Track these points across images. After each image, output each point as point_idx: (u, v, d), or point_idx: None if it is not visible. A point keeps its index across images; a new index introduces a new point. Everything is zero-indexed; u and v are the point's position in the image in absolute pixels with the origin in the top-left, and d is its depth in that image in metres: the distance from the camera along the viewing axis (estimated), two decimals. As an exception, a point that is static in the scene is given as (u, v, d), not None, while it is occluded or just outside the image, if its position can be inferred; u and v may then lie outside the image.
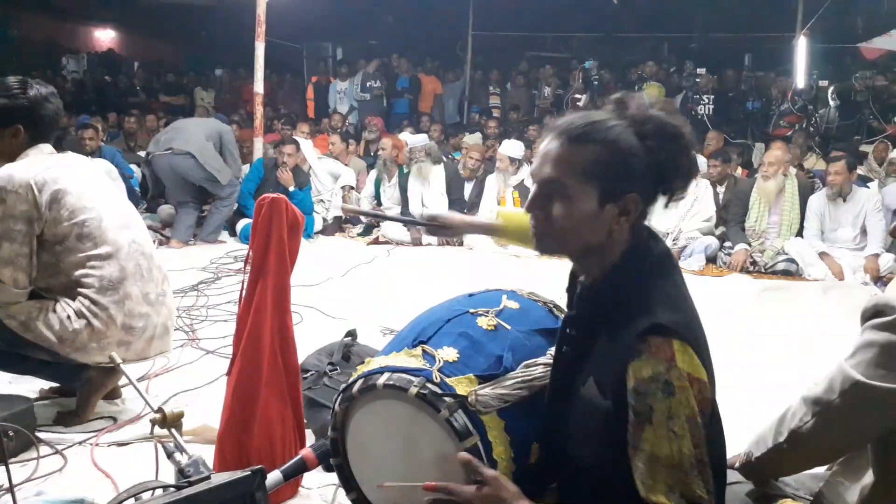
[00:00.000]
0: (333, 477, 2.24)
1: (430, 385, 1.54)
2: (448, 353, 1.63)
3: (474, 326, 1.72)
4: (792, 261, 5.76)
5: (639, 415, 1.25)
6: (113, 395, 2.93)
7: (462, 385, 1.55)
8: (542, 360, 1.66)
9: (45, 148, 2.66)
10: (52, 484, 2.29)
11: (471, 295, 1.94)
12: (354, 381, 1.67)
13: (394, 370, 1.61)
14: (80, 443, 2.54)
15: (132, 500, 1.35)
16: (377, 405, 1.65)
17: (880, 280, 5.38)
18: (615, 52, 12.46)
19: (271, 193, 2.23)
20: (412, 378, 1.57)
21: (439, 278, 5.42)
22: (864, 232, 5.79)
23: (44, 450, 2.46)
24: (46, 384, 2.94)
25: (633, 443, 1.26)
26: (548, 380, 1.61)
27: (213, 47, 14.91)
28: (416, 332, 1.74)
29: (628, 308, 1.31)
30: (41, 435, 2.56)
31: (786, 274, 5.74)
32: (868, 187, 6.32)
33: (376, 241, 6.91)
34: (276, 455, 2.14)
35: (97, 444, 2.53)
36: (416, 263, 6.03)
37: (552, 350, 1.68)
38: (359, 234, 7.20)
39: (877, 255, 5.55)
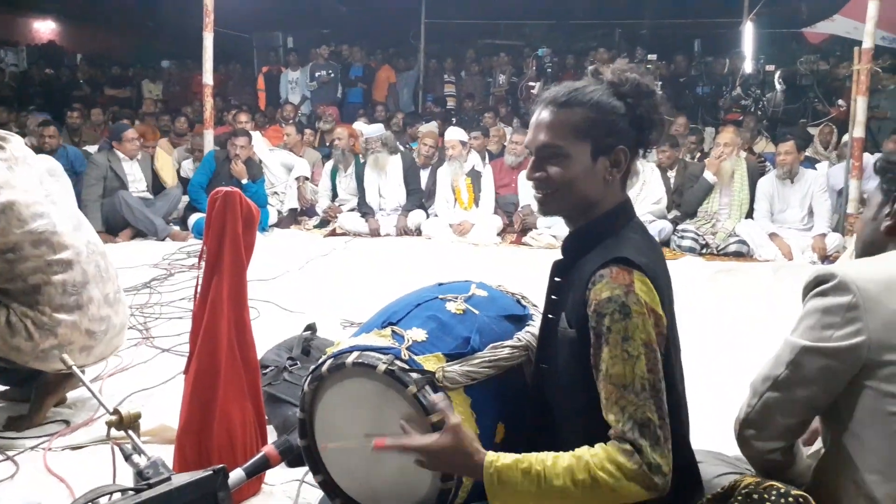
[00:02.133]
0: (297, 473, 2.24)
1: (398, 362, 1.57)
2: (417, 334, 1.67)
3: (443, 310, 1.76)
4: (743, 242, 5.90)
5: (598, 336, 1.33)
6: (60, 400, 2.84)
7: (430, 362, 1.59)
8: (509, 342, 1.71)
9: None
10: (3, 490, 2.21)
11: (441, 284, 2.01)
12: (324, 361, 1.69)
13: (363, 349, 1.64)
14: (32, 448, 2.46)
15: (89, 505, 1.31)
16: (346, 384, 1.67)
17: (827, 258, 5.55)
18: (567, 39, 12.55)
19: (224, 187, 2.18)
20: (381, 356, 1.60)
21: (399, 269, 5.40)
22: (811, 213, 5.96)
23: (-6, 456, 2.39)
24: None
25: (595, 363, 1.35)
26: (515, 361, 1.67)
27: (159, 38, 14.55)
28: (386, 315, 1.78)
29: (602, 250, 1.42)
30: (-9, 441, 2.48)
31: (737, 255, 5.87)
32: (815, 169, 6.49)
33: (333, 233, 6.85)
34: (238, 453, 2.11)
35: (50, 449, 2.46)
36: (375, 254, 5.99)
37: (519, 334, 1.75)
38: (315, 227, 7.13)
39: (824, 235, 5.71)
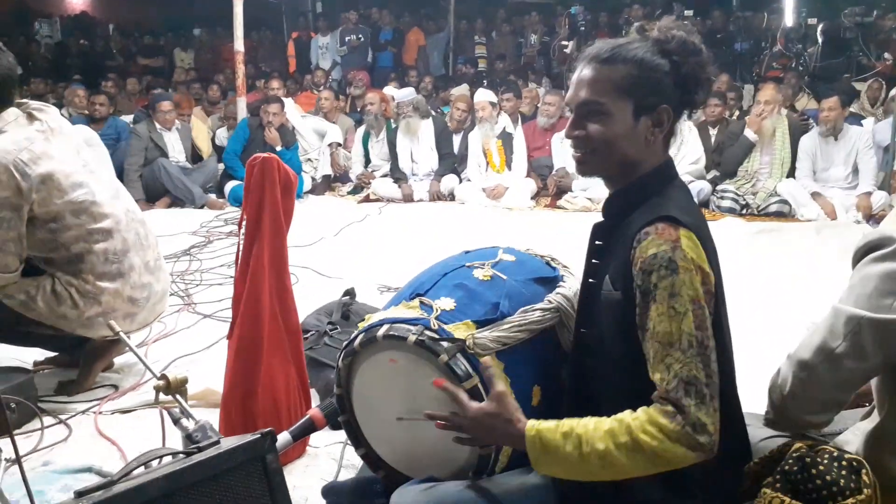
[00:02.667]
0: (341, 435, 2.26)
1: (428, 332, 1.58)
2: (445, 303, 1.67)
3: (470, 278, 1.76)
4: (784, 202, 5.76)
5: (645, 294, 1.30)
6: (108, 365, 2.91)
7: (460, 330, 1.59)
8: (539, 305, 1.70)
9: (10, 114, 2.44)
10: (57, 454, 2.28)
11: (467, 252, 1.99)
12: (356, 337, 1.71)
13: (392, 321, 1.65)
14: (83, 412, 2.53)
15: (142, 468, 1.34)
16: (379, 357, 1.69)
17: (872, 218, 5.39)
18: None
19: (259, 153, 2.18)
20: (410, 327, 1.60)
21: (432, 233, 5.40)
22: (855, 171, 5.78)
23: (47, 420, 2.46)
24: (40, 354, 2.91)
25: (641, 323, 1.32)
26: (547, 323, 1.67)
27: (190, 6, 14.51)
28: (414, 287, 1.80)
29: (646, 210, 1.38)
30: (43, 405, 2.55)
31: (778, 215, 5.74)
32: (861, 125, 6.28)
33: (367, 199, 6.85)
34: (282, 416, 2.14)
35: (100, 413, 2.53)
36: (409, 220, 5.98)
37: (550, 296, 1.74)
38: (348, 193, 7.14)
39: (869, 194, 5.55)
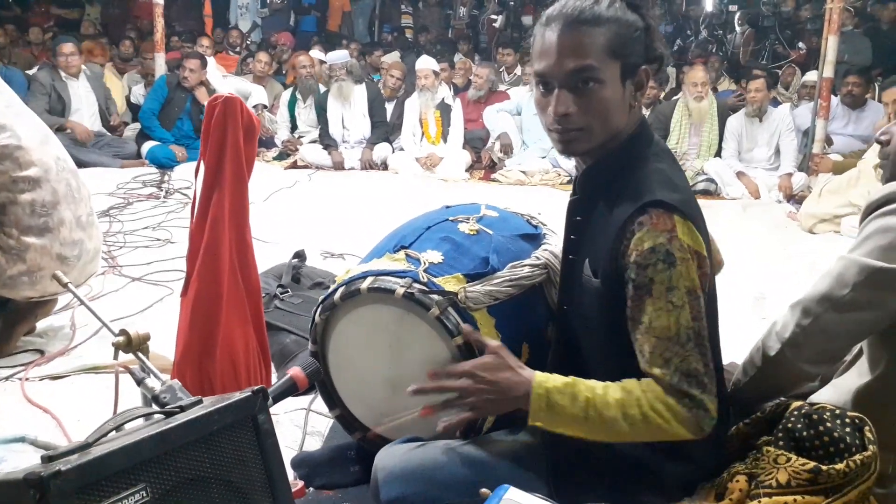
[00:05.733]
0: (303, 401, 2.14)
1: (417, 285, 1.52)
2: (433, 256, 1.62)
3: (456, 231, 1.71)
4: (711, 180, 5.91)
5: (639, 288, 1.24)
6: (29, 329, 2.65)
7: (450, 284, 1.54)
8: (528, 261, 1.67)
9: None
10: (-19, 423, 2.05)
11: (447, 207, 1.95)
12: (335, 290, 1.61)
13: (378, 273, 1.57)
14: (7, 378, 2.28)
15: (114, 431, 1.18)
16: (361, 311, 1.61)
17: (793, 198, 5.62)
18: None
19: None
20: (398, 279, 1.53)
21: (367, 203, 5.24)
22: (777, 152, 6.00)
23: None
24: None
25: (633, 316, 1.26)
26: (536, 279, 1.64)
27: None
28: (396, 239, 1.73)
29: (627, 187, 1.30)
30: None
31: (705, 193, 5.89)
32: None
33: (294, 166, 6.59)
34: (241, 379, 2.00)
35: (27, 379, 2.28)
36: (341, 187, 5.81)
37: (537, 252, 1.72)
38: (274, 158, 6.86)
39: (790, 174, 5.77)
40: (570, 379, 1.31)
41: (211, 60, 7.05)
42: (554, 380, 1.31)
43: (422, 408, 1.38)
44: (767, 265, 3.99)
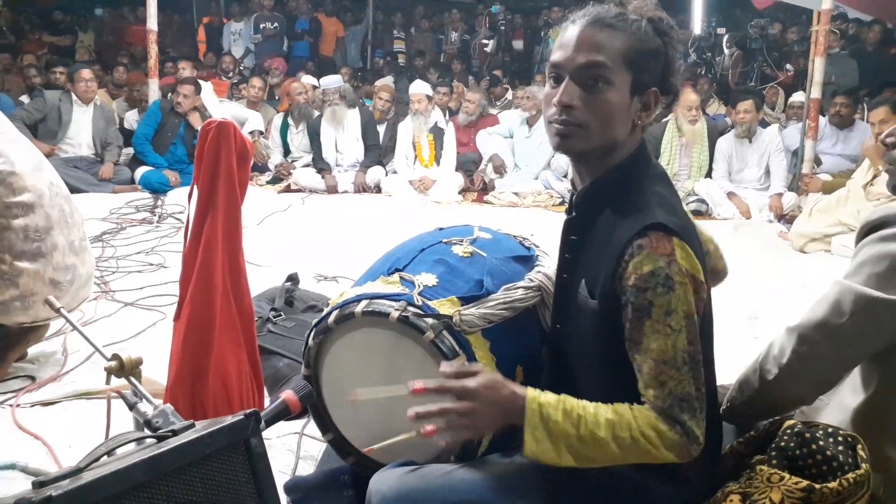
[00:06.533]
0: (296, 425, 2.13)
1: (412, 308, 1.51)
2: (427, 279, 1.62)
3: (450, 254, 1.71)
4: (702, 201, 5.96)
5: (638, 311, 1.25)
6: (21, 355, 2.63)
7: (445, 307, 1.54)
8: (521, 283, 1.67)
9: None
10: (-29, 450, 2.03)
11: (441, 229, 1.94)
12: (329, 313, 1.61)
13: (372, 297, 1.57)
14: (-2, 404, 2.27)
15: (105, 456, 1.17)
16: (355, 335, 1.60)
17: (783, 217, 5.66)
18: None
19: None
20: (392, 303, 1.53)
21: (361, 226, 5.26)
22: (767, 172, 6.05)
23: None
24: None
25: (632, 337, 1.27)
26: (530, 302, 1.64)
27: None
28: (390, 262, 1.72)
29: (626, 208, 1.31)
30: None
31: (696, 214, 5.91)
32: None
33: (287, 189, 6.61)
34: (234, 404, 1.99)
35: (18, 405, 2.27)
36: (335, 210, 5.82)
37: (531, 275, 1.71)
38: (268, 182, 6.88)
39: (780, 194, 5.82)
40: (562, 396, 1.31)
41: (207, 86, 7.09)
42: (547, 395, 1.31)
43: (420, 428, 1.36)
44: (759, 284, 4.01)
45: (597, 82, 1.28)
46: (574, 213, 1.42)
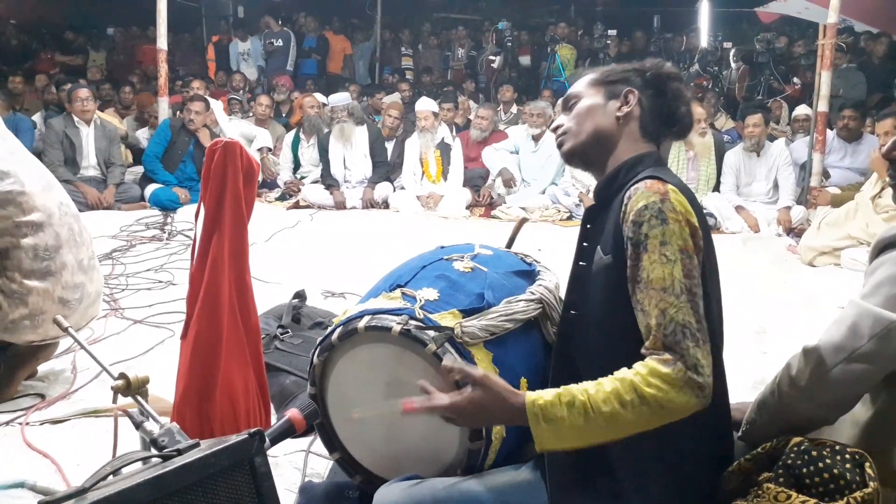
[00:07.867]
0: (303, 443, 2.13)
1: (413, 321, 1.53)
2: (428, 293, 1.63)
3: (451, 269, 1.73)
4: (710, 215, 5.93)
5: (636, 246, 1.31)
6: (31, 373, 2.65)
7: (446, 319, 1.55)
8: (523, 296, 1.69)
9: None
10: (-20, 469, 2.04)
11: (442, 247, 1.96)
12: (333, 331, 1.62)
13: (374, 312, 1.58)
14: (7, 423, 2.28)
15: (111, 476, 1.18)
16: (359, 352, 1.61)
17: (792, 231, 5.63)
18: (523, 14, 12.44)
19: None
20: (394, 317, 1.54)
21: (368, 241, 5.27)
22: (775, 186, 6.03)
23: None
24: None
25: (633, 275, 1.32)
26: (531, 314, 1.66)
27: (100, 4, 13.82)
28: (392, 279, 1.74)
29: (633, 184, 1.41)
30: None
31: (705, 228, 5.91)
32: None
33: (296, 206, 6.64)
34: (241, 422, 1.99)
35: (28, 424, 2.28)
36: (343, 226, 5.84)
37: (532, 288, 1.74)
38: (276, 199, 6.91)
39: (789, 208, 5.79)
40: (562, 388, 1.30)
41: (217, 103, 7.15)
42: (545, 394, 1.30)
43: (402, 402, 1.35)
44: (768, 298, 3.99)
45: (574, 103, 1.55)
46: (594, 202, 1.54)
